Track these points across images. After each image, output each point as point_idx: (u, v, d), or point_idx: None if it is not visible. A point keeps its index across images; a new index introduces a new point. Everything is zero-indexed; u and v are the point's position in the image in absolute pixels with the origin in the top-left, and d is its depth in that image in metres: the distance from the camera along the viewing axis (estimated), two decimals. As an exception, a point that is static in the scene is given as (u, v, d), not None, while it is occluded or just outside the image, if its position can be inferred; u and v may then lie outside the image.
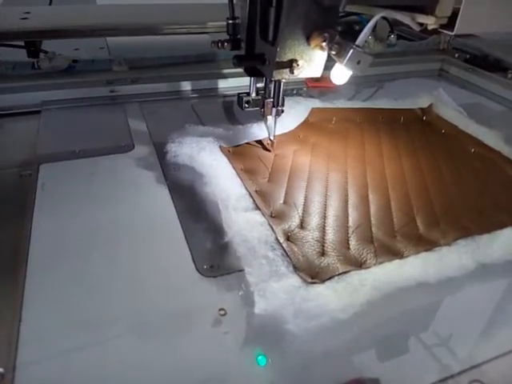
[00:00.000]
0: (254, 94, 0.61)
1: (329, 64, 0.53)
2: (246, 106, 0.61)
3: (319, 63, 0.53)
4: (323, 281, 0.42)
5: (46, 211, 0.50)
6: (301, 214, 0.51)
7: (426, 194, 0.57)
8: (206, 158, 0.59)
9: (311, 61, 0.52)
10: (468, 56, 0.99)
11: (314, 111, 0.73)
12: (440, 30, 0.50)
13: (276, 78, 0.53)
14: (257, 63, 0.55)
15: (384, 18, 0.52)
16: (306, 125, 0.71)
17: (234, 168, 0.58)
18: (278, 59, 0.51)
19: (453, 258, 0.46)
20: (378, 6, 0.49)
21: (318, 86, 0.86)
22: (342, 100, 0.78)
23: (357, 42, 0.48)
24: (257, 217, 0.50)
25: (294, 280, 0.42)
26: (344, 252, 0.46)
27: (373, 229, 0.50)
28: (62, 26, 0.78)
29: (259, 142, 0.65)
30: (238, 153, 0.62)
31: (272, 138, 0.62)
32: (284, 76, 0.53)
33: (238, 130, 0.67)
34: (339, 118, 0.74)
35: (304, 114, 0.72)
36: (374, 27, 0.51)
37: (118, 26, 0.82)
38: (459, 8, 0.50)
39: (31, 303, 0.40)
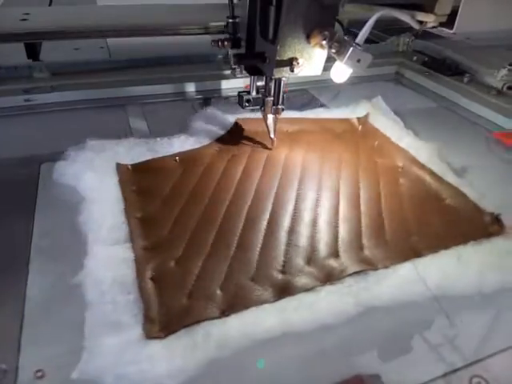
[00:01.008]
0: (254, 93, 0.61)
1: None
2: (247, 104, 0.61)
3: (319, 61, 0.53)
4: (169, 334, 0.36)
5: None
6: (183, 247, 0.45)
7: (334, 217, 0.51)
8: (93, 178, 0.53)
9: (311, 59, 0.53)
10: (426, 59, 0.93)
11: (239, 122, 0.68)
12: (440, 27, 0.51)
13: (276, 77, 0.54)
14: (257, 62, 0.55)
15: (337, 20, 0.53)
16: (227, 137, 0.64)
17: (122, 190, 0.52)
18: (278, 57, 0.51)
19: (333, 301, 0.40)
20: (378, 4, 0.50)
21: None
22: None
23: (356, 41, 0.49)
24: (121, 251, 0.43)
25: (134, 333, 0.36)
26: (214, 295, 0.40)
27: (256, 264, 0.44)
28: (62, 28, 0.78)
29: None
30: (139, 170, 0.56)
31: (272, 135, 0.62)
32: (284, 74, 0.53)
33: (154, 143, 0.61)
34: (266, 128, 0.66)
35: (227, 125, 0.67)
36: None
37: (118, 27, 0.82)
38: (458, 6, 0.50)
39: (33, 302, 0.39)
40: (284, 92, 0.58)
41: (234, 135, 0.66)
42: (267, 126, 0.61)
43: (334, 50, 0.49)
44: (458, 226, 0.50)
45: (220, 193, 0.54)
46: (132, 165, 0.57)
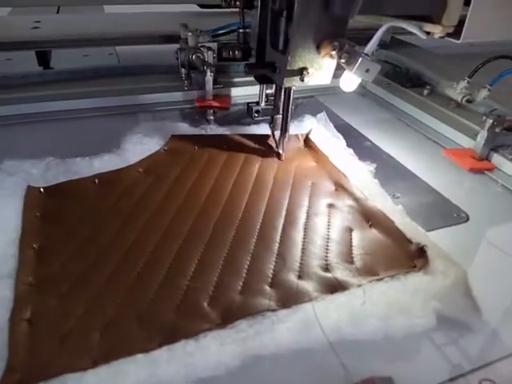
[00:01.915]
0: (263, 104, 0.62)
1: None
2: (256, 115, 0.62)
3: (329, 71, 0.54)
4: None
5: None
6: (71, 282, 0.41)
7: (246, 247, 0.46)
8: None
9: (321, 69, 0.54)
10: (389, 69, 0.89)
11: (173, 139, 0.64)
12: (447, 38, 0.52)
13: (286, 86, 0.55)
14: (267, 71, 0.56)
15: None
16: (157, 155, 0.60)
17: (24, 216, 0.48)
18: (288, 67, 0.52)
19: (211, 350, 0.35)
20: (387, 15, 0.51)
21: (207, 106, 0.76)
22: (214, 126, 0.68)
23: (365, 51, 0.50)
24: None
25: None
26: (91, 341, 0.36)
27: (148, 305, 0.39)
28: (74, 36, 0.79)
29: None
30: (52, 193, 0.52)
31: (281, 150, 0.62)
32: (294, 83, 0.54)
33: (72, 163, 0.57)
34: (202, 146, 0.63)
35: (160, 143, 0.63)
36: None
37: (128, 34, 0.84)
38: (466, 16, 0.51)
39: None
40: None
41: (166, 154, 0.61)
42: (275, 141, 0.62)
43: (343, 60, 0.50)
44: (380, 258, 0.45)
45: (132, 220, 0.49)
46: (45, 187, 0.52)
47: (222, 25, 0.74)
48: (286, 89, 0.58)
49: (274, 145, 0.63)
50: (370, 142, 0.69)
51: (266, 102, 0.64)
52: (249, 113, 0.63)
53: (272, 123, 0.61)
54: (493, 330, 0.39)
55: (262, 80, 0.61)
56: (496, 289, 0.44)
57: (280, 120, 0.60)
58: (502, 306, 0.42)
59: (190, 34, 0.72)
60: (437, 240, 0.47)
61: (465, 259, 0.45)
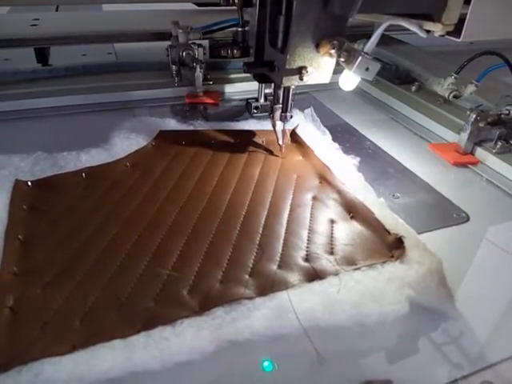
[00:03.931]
0: (262, 100, 0.62)
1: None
2: (255, 111, 0.62)
3: (328, 70, 0.54)
4: (4, 371, 0.32)
5: None
6: (55, 272, 0.42)
7: (226, 238, 0.47)
8: None
9: (320, 67, 0.53)
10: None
11: (161, 134, 0.64)
12: (447, 36, 0.51)
13: (285, 85, 0.54)
14: (266, 70, 0.56)
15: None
16: (144, 150, 0.61)
17: (11, 209, 0.48)
18: (287, 66, 0.52)
19: (189, 335, 0.35)
20: (387, 13, 0.50)
21: (197, 102, 0.77)
22: (202, 122, 0.69)
23: (365, 49, 0.49)
24: None
25: None
26: (72, 327, 0.36)
27: (129, 293, 0.40)
28: (72, 33, 0.79)
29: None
30: (39, 187, 0.53)
31: (281, 142, 0.63)
32: (293, 82, 0.54)
33: (60, 158, 0.58)
34: (190, 141, 0.64)
35: (147, 138, 0.63)
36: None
37: (124, 32, 0.84)
38: (466, 14, 0.50)
39: None
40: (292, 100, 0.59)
41: (153, 149, 0.62)
42: (276, 133, 0.62)
43: (342, 59, 0.50)
44: (359, 249, 0.46)
45: (117, 212, 0.50)
46: (32, 181, 0.53)
47: (212, 22, 0.74)
48: (284, 88, 0.57)
49: (277, 139, 0.62)
50: (357, 135, 0.69)
51: (265, 100, 0.63)
52: (248, 109, 0.62)
53: (272, 114, 0.60)
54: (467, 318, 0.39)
55: (261, 79, 0.60)
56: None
57: (279, 110, 0.59)
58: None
59: (180, 31, 0.72)
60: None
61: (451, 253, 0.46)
